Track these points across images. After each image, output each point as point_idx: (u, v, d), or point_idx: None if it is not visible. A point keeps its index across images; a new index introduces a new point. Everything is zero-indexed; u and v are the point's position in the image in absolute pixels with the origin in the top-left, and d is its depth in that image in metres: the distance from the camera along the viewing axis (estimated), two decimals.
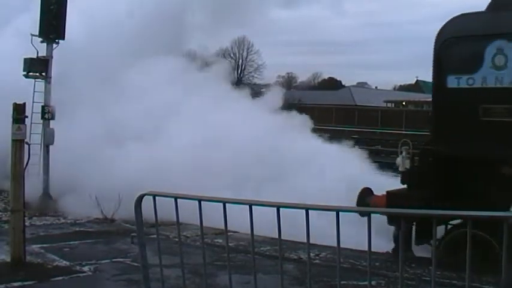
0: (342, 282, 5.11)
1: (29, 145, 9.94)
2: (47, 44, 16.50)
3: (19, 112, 9.69)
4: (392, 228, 10.35)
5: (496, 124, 9.62)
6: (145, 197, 5.53)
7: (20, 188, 9.68)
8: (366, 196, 11.71)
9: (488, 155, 9.60)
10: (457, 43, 10.27)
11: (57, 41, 16.58)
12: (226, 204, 5.12)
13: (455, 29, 10.41)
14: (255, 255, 5.54)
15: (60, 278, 9.11)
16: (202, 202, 5.24)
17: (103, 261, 10.15)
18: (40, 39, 16.42)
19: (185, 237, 11.18)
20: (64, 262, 9.97)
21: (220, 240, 11.14)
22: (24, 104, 9.95)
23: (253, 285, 5.12)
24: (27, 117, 9.98)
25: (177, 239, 6.40)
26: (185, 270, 5.88)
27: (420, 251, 10.62)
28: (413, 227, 10.14)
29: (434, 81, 10.80)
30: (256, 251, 8.65)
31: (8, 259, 9.60)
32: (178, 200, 5.39)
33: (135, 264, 9.36)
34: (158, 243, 5.77)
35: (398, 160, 11.35)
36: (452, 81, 10.18)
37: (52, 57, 16.58)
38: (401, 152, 11.47)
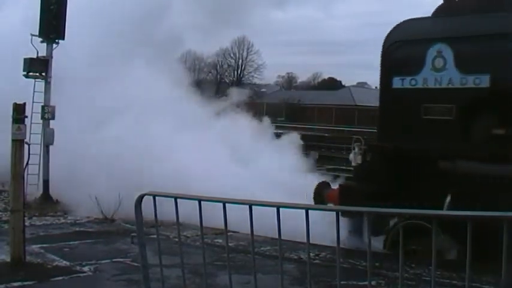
0: (342, 282, 5.10)
1: (28, 145, 9.94)
2: (47, 44, 16.52)
3: (19, 112, 9.69)
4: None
5: (436, 122, 10.29)
6: (145, 197, 5.53)
7: (20, 188, 9.68)
8: (322, 190, 12.33)
9: (428, 151, 10.25)
10: (401, 47, 10.96)
11: (57, 41, 16.60)
12: (226, 204, 5.11)
13: (401, 33, 11.07)
14: (255, 255, 5.54)
15: (60, 278, 9.10)
16: (202, 202, 5.24)
17: (103, 261, 10.14)
18: (40, 39, 16.44)
19: (185, 237, 11.19)
20: (64, 262, 9.97)
21: (220, 240, 11.15)
22: (24, 104, 9.95)
23: (253, 285, 5.12)
24: (27, 117, 9.98)
25: (177, 239, 6.41)
26: (185, 270, 5.87)
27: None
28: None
29: (381, 82, 11.44)
30: (256, 251, 8.66)
31: (8, 259, 9.59)
32: (178, 200, 5.39)
33: (135, 264, 9.35)
34: (158, 243, 5.77)
35: (351, 156, 12.09)
36: (397, 82, 10.82)
37: (52, 57, 16.60)
38: (353, 148, 12.24)
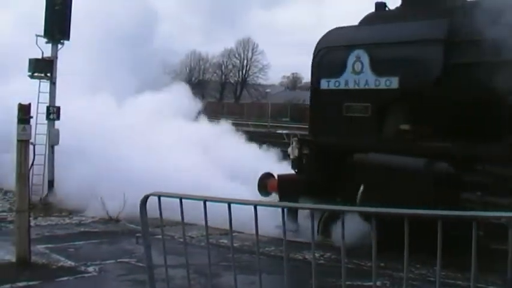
0: (347, 282, 5.09)
1: (34, 145, 9.96)
2: (52, 45, 16.53)
3: (24, 113, 9.70)
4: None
5: (355, 119, 11.49)
6: (150, 197, 5.53)
7: (25, 188, 9.70)
8: (265, 180, 13.43)
9: (348, 145, 11.50)
10: (328, 52, 12.28)
11: (62, 41, 16.62)
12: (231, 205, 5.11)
13: (327, 41, 12.49)
14: (260, 256, 5.53)
15: (65, 278, 9.12)
16: (207, 202, 5.24)
17: (108, 262, 10.16)
18: (45, 39, 16.46)
19: (190, 238, 11.18)
20: (69, 262, 9.98)
21: (225, 241, 11.14)
22: (30, 104, 9.96)
23: (258, 285, 5.11)
24: (32, 117, 9.99)
25: (181, 240, 6.40)
26: (190, 270, 5.87)
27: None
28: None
29: (311, 84, 13.03)
30: (261, 251, 8.66)
31: (13, 259, 9.61)
32: (183, 200, 5.39)
33: (140, 264, 9.35)
34: (163, 243, 5.76)
35: (290, 149, 13.12)
36: (323, 84, 12.13)
37: (57, 57, 16.62)
38: (292, 143, 13.26)
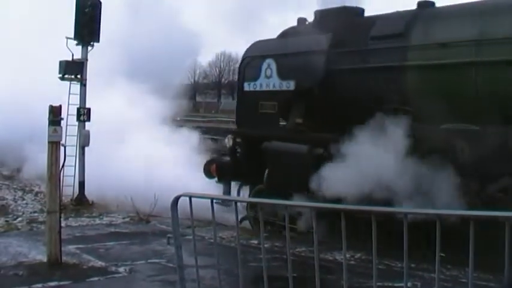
0: (378, 283, 5.05)
1: (64, 147, 10.02)
2: (82, 47, 16.67)
3: (55, 114, 9.76)
4: None
5: (266, 115, 13.75)
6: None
7: (56, 189, 9.76)
8: (208, 165, 15.23)
9: (262, 136, 13.56)
10: (249, 60, 14.64)
11: (92, 43, 16.75)
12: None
13: (250, 51, 14.92)
14: (291, 257, 5.51)
15: (96, 278, 9.15)
16: (238, 203, 5.24)
17: (138, 262, 10.18)
18: (75, 42, 16.60)
19: (220, 239, 11.18)
20: (99, 263, 10.02)
21: (256, 242, 11.12)
22: (60, 106, 10.02)
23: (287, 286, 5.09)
24: (62, 119, 10.05)
25: (212, 240, 6.40)
26: (220, 271, 5.87)
27: None
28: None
29: (238, 86, 15.40)
30: (292, 252, 8.60)
31: (45, 259, 9.67)
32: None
33: (170, 265, 9.37)
34: (194, 244, 5.76)
35: (226, 140, 15.27)
36: (246, 86, 14.42)
37: (87, 59, 16.76)
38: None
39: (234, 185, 14.94)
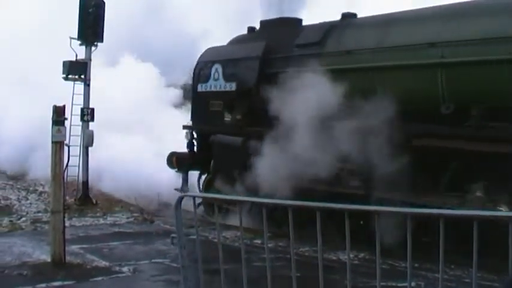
0: (381, 283, 5.04)
1: (68, 147, 10.02)
2: (86, 47, 16.67)
3: (59, 114, 9.77)
4: None
5: (214, 112, 15.38)
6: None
7: (60, 189, 9.77)
8: (170, 157, 16.47)
9: (210, 130, 15.49)
10: (202, 64, 16.28)
11: (96, 43, 16.76)
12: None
13: (203, 56, 16.63)
14: (295, 257, 5.51)
15: (100, 278, 9.16)
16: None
17: (142, 262, 10.19)
18: (79, 42, 16.61)
19: (224, 238, 11.17)
20: (103, 262, 10.03)
21: (259, 241, 11.12)
22: (64, 106, 10.03)
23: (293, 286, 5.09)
24: (66, 119, 10.05)
25: (216, 240, 6.40)
26: (223, 270, 5.86)
27: None
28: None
29: (192, 87, 17.03)
30: (295, 251, 8.58)
31: (49, 259, 9.70)
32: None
33: (174, 264, 9.38)
34: (197, 243, 5.76)
35: (185, 135, 16.62)
36: (199, 87, 16.05)
37: (91, 59, 16.78)
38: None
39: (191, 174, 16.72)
